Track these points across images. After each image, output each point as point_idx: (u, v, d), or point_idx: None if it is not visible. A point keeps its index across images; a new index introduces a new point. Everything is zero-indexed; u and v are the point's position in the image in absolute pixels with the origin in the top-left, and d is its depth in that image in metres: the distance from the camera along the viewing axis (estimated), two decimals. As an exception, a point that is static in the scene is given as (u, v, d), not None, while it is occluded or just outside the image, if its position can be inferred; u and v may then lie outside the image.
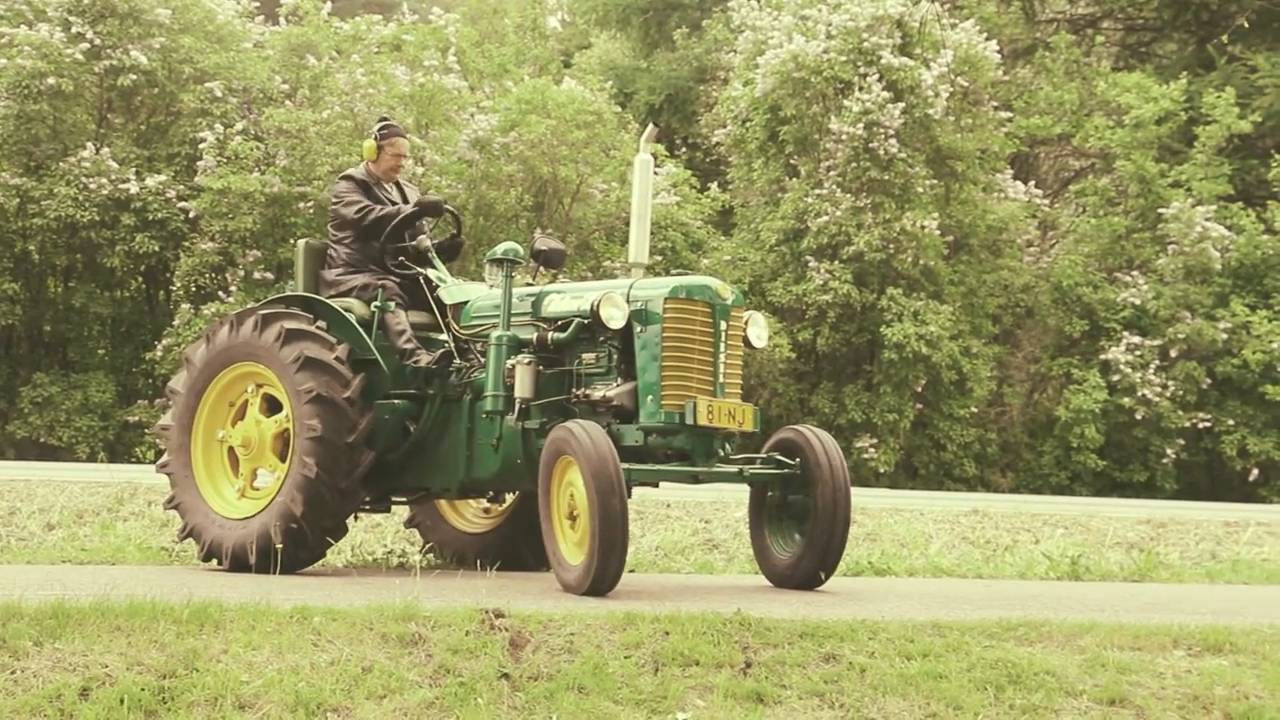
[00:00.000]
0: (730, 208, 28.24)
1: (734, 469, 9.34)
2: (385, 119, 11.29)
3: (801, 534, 9.58)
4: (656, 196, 26.52)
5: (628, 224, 25.58)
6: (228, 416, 10.28)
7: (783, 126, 25.95)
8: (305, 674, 6.54)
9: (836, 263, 24.97)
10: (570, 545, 8.73)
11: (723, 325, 9.26)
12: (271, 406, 10.08)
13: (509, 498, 10.93)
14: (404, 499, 10.75)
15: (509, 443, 9.52)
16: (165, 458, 10.45)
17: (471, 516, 11.18)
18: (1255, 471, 25.77)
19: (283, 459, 9.90)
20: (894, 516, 16.37)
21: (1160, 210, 26.94)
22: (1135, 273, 27.38)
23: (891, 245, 24.92)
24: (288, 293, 10.79)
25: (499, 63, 29.32)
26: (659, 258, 25.36)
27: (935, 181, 25.93)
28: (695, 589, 9.42)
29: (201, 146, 24.50)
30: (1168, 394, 25.75)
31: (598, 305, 9.15)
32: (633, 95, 32.66)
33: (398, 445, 10.07)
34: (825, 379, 25.89)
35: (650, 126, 10.33)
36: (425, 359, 10.01)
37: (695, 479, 9.30)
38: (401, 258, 10.56)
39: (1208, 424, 26.01)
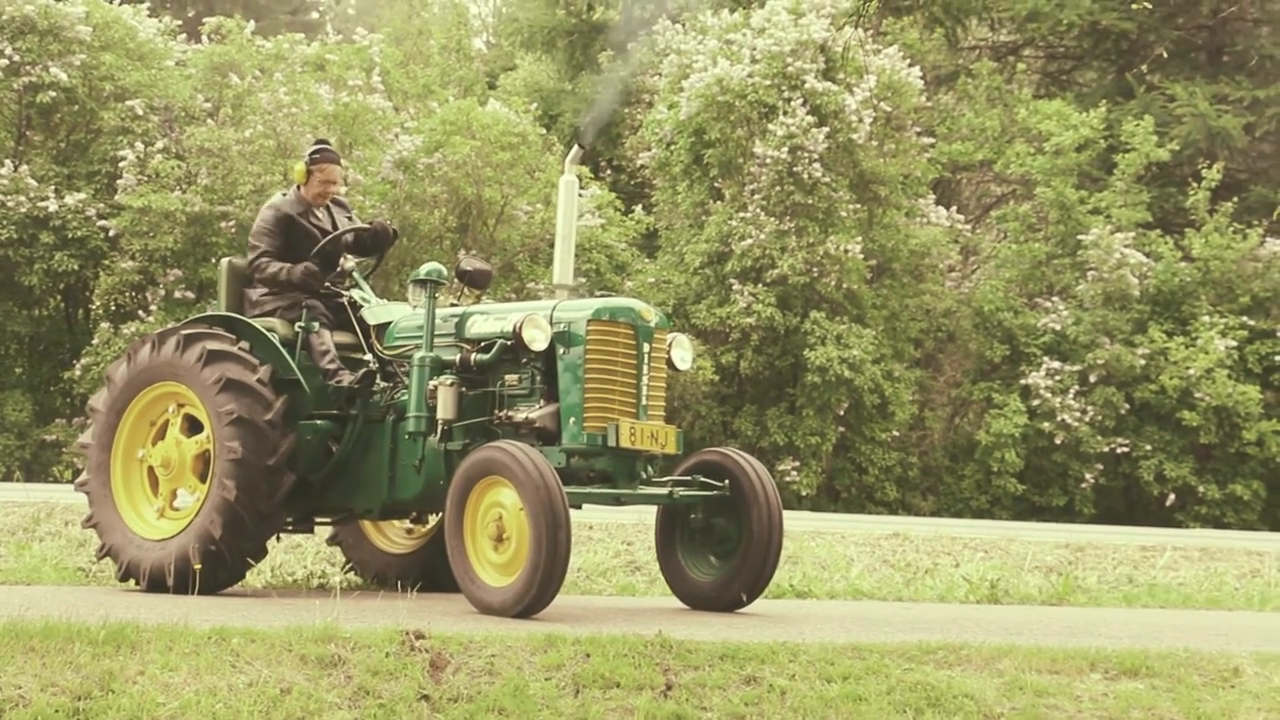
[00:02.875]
0: (654, 230, 28.28)
1: (664, 490, 9.34)
2: (322, 142, 11.15)
3: (719, 556, 9.65)
4: (581, 218, 26.52)
5: (553, 246, 25.73)
6: (148, 436, 10.18)
7: (707, 150, 26.03)
8: (223, 695, 6.48)
9: (760, 286, 25.05)
10: (490, 567, 8.68)
11: (646, 347, 9.27)
12: (192, 427, 9.98)
13: (432, 519, 10.89)
14: (327, 520, 10.69)
15: (432, 464, 9.49)
16: (84, 476, 10.33)
17: (394, 536, 11.13)
18: (1172, 496, 26.04)
19: (203, 480, 9.80)
20: (815, 539, 16.39)
21: (1080, 237, 27.23)
22: (1055, 298, 27.65)
23: (815, 269, 25.04)
24: (210, 312, 10.69)
25: (424, 83, 29.26)
26: (583, 280, 25.35)
27: (858, 206, 26.08)
28: (617, 611, 9.41)
29: (122, 165, 24.28)
30: (1086, 419, 26.00)
31: (520, 327, 9.14)
32: (557, 117, 32.66)
33: (320, 466, 10.00)
34: (748, 402, 25.95)
35: (575, 148, 10.35)
36: (348, 379, 9.97)
37: (618, 501, 9.31)
38: (326, 282, 10.50)
39: (1125, 449, 26.26)
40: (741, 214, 25.41)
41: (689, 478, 9.56)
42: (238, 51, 26.07)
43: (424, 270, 9.64)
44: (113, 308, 24.92)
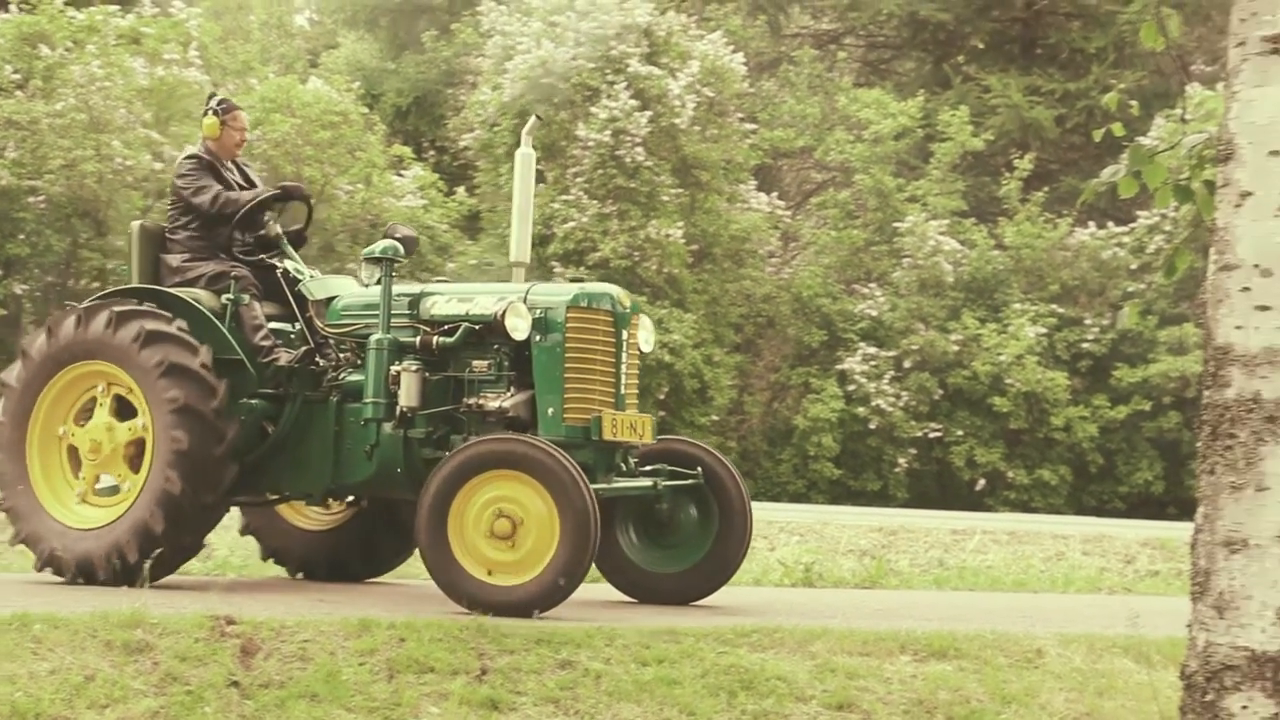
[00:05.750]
0: (477, 212, 28.17)
1: (646, 481, 9.10)
2: (216, 94, 10.66)
3: (666, 547, 9.49)
4: (403, 199, 26.34)
5: (373, 226, 25.53)
6: (69, 413, 9.45)
7: (530, 132, 25.93)
8: (23, 683, 6.33)
9: (582, 269, 25.06)
10: (492, 566, 8.31)
11: (624, 334, 9.04)
12: (121, 408, 9.33)
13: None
14: (253, 501, 10.08)
15: (387, 449, 9.03)
16: (2, 494, 9.46)
17: (312, 514, 10.50)
18: (982, 481, 26.56)
19: (134, 468, 9.21)
20: (634, 522, 16.47)
21: (896, 224, 27.63)
22: (873, 285, 28.02)
23: (637, 253, 25.12)
24: (132, 284, 9.86)
25: (243, 60, 28.82)
26: (404, 261, 25.16)
27: (681, 190, 26.20)
28: (433, 596, 9.32)
29: (-74, 136, 23.59)
30: (901, 404, 26.40)
31: (503, 315, 8.79)
32: (380, 97, 32.38)
33: (255, 446, 9.43)
34: (569, 385, 25.92)
35: (532, 119, 10.14)
36: (285, 358, 9.47)
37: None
38: (252, 245, 10.00)
39: (938, 434, 26.72)
40: (564, 196, 25.41)
41: (658, 466, 9.28)
42: (49, 22, 25.38)
43: (379, 247, 9.24)
44: (-85, 283, 24.17)
